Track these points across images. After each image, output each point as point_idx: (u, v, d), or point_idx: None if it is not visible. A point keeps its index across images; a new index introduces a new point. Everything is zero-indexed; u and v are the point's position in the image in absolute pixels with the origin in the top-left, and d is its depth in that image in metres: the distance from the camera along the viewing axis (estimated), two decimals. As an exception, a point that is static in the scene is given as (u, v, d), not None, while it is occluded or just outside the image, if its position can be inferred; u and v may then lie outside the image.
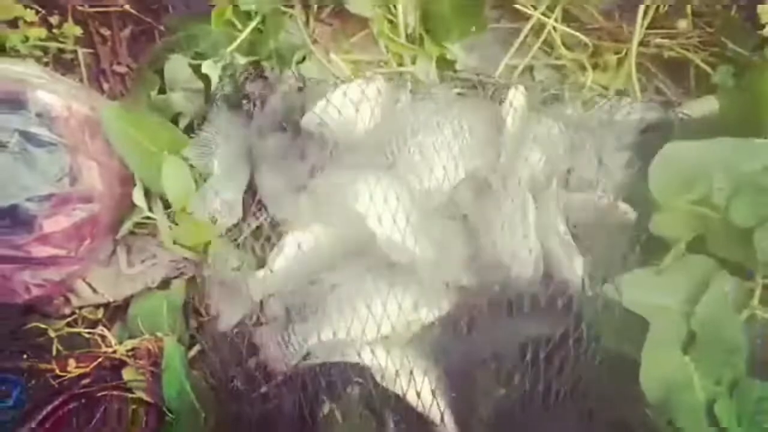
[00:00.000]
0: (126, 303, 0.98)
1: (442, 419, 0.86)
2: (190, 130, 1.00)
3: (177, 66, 1.02)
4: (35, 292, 0.89)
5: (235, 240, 0.97)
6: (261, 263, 0.92)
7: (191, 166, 0.96)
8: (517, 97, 0.95)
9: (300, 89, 0.99)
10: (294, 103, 0.98)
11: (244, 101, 1.01)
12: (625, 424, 0.86)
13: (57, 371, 0.91)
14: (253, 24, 1.05)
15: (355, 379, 0.89)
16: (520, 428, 0.85)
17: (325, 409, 0.88)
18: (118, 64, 1.10)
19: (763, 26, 1.06)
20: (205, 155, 0.97)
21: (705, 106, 1.05)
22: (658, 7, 1.15)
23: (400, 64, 1.11)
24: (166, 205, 0.95)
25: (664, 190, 0.88)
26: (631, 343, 0.83)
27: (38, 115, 0.87)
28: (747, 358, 0.80)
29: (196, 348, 0.97)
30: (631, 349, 0.83)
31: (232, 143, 0.98)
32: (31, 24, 1.04)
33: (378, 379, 0.87)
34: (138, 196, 0.93)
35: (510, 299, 0.87)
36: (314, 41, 1.09)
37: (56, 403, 0.88)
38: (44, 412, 0.88)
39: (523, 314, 0.86)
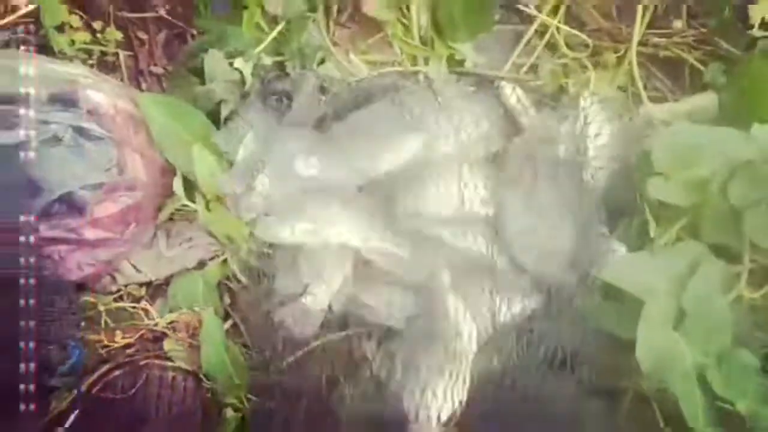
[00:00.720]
0: (166, 281, 1.07)
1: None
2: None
3: (214, 59, 1.10)
4: (87, 270, 0.99)
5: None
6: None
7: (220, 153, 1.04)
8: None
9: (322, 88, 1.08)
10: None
11: (272, 97, 1.10)
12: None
13: (105, 341, 1.01)
14: (279, 27, 1.13)
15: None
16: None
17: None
18: (155, 65, 1.19)
19: (753, 26, 1.12)
20: (233, 142, 1.04)
21: (703, 100, 1.12)
22: (655, 8, 1.21)
23: (414, 64, 1.18)
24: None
25: (665, 164, 0.94)
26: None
27: (88, 112, 0.96)
28: (733, 332, 0.87)
29: (229, 322, 1.06)
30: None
31: (259, 133, 1.05)
32: (77, 29, 1.13)
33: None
34: (177, 185, 1.01)
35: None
36: (334, 43, 1.17)
37: (104, 369, 0.98)
38: (94, 377, 0.98)
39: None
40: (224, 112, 1.08)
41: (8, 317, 0.89)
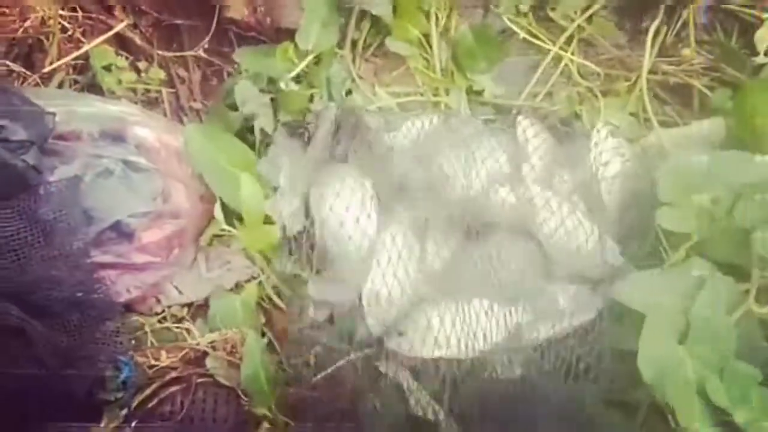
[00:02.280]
0: (206, 302, 1.13)
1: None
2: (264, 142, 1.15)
3: (245, 89, 1.17)
4: (134, 293, 1.06)
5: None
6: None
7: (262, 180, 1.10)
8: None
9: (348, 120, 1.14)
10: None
11: (300, 129, 1.16)
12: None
13: (152, 361, 1.08)
14: (308, 59, 1.19)
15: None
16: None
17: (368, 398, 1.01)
18: (194, 101, 1.27)
19: (758, 53, 1.17)
20: (274, 170, 1.10)
21: (711, 125, 1.16)
22: (664, 38, 1.28)
23: (435, 95, 1.26)
24: (239, 218, 1.11)
25: (671, 193, 0.98)
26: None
27: (137, 146, 1.05)
28: (739, 347, 0.89)
29: (264, 340, 1.11)
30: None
31: (294, 160, 1.12)
32: (123, 69, 1.22)
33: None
34: (218, 211, 1.08)
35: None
36: (359, 76, 1.25)
37: (153, 387, 1.04)
38: (143, 395, 1.05)
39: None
40: (258, 136, 1.15)
41: (64, 336, 0.97)
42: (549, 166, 1.11)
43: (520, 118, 1.15)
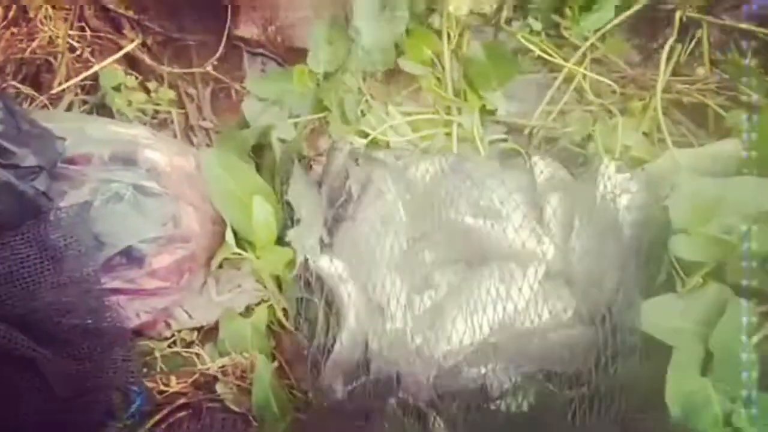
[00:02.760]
0: (216, 326, 1.11)
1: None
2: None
3: (252, 105, 1.19)
4: (144, 318, 1.05)
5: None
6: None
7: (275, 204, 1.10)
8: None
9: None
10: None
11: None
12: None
13: (161, 386, 1.07)
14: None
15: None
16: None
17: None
18: (203, 119, 1.26)
19: (771, 72, 1.16)
20: (299, 201, 1.09)
21: (727, 146, 1.14)
22: (678, 56, 1.27)
23: (448, 114, 1.24)
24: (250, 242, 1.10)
25: (683, 221, 0.96)
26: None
27: (147, 170, 1.03)
28: (760, 375, 0.88)
29: (275, 364, 1.10)
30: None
31: (310, 195, 1.12)
32: (132, 89, 1.21)
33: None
34: (229, 235, 1.07)
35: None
36: (372, 97, 1.24)
37: (163, 413, 1.04)
38: (152, 422, 1.04)
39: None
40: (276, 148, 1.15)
41: (74, 363, 0.96)
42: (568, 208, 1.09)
43: (535, 159, 1.13)
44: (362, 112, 1.22)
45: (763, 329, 0.92)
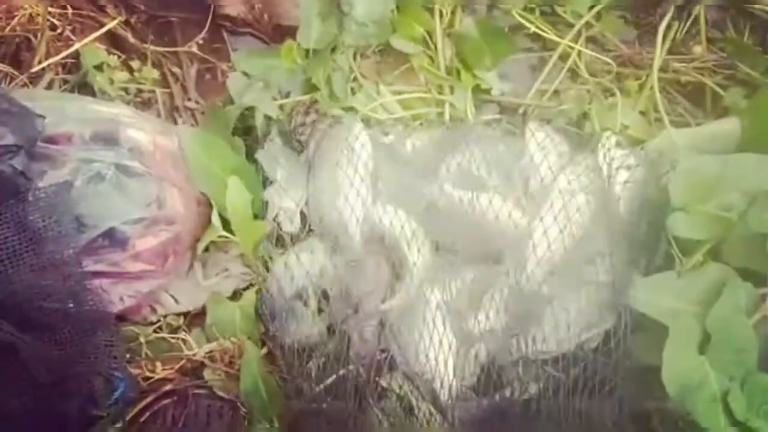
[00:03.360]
0: (203, 311, 1.09)
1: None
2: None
3: (237, 80, 1.15)
4: (128, 302, 1.02)
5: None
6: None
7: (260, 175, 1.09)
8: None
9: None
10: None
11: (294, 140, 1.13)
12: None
13: (146, 373, 1.04)
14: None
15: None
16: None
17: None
18: (189, 100, 1.23)
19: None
20: (272, 163, 1.09)
21: (726, 125, 1.12)
22: (675, 34, 1.25)
23: (440, 94, 1.21)
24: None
25: (683, 199, 0.94)
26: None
27: (130, 150, 1.00)
28: (757, 356, 0.87)
29: (264, 350, 1.07)
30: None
31: (291, 159, 1.10)
32: (115, 68, 1.17)
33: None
34: (215, 217, 1.04)
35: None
36: (362, 76, 1.20)
37: (148, 400, 1.01)
38: (137, 409, 1.01)
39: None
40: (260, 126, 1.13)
41: (55, 349, 0.92)
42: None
43: (531, 125, 1.10)
44: (352, 90, 1.18)
45: (761, 309, 0.91)
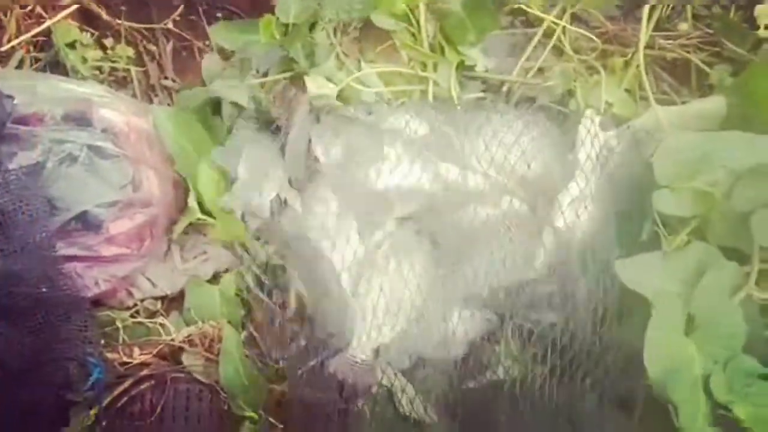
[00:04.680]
0: (181, 294, 1.07)
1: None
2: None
3: (211, 63, 1.13)
4: (103, 286, 1.00)
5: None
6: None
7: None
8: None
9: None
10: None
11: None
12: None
13: (123, 358, 1.02)
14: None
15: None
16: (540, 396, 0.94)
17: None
18: (165, 78, 1.20)
19: (759, 27, 1.12)
20: (232, 160, 1.04)
21: (711, 103, 1.11)
22: (660, 11, 1.22)
23: (423, 71, 1.18)
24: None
25: (668, 177, 0.93)
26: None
27: (103, 130, 0.98)
28: (743, 337, 0.86)
29: (244, 333, 1.06)
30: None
31: (259, 151, 1.06)
32: (88, 46, 1.14)
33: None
34: (192, 199, 1.02)
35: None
36: (344, 53, 1.18)
37: (125, 385, 0.99)
38: (114, 394, 0.99)
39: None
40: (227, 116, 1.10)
41: (28, 335, 0.90)
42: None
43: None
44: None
45: (745, 288, 0.90)
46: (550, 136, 1.10)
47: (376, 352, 0.99)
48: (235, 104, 1.08)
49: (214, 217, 1.04)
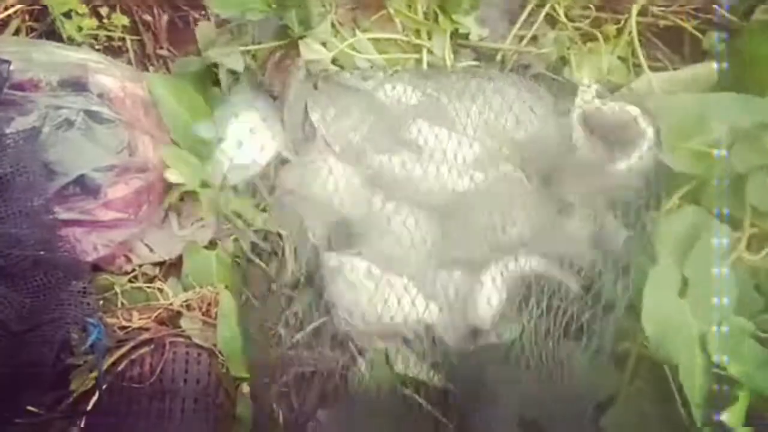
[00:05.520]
0: (179, 260, 1.08)
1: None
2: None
3: (206, 30, 1.14)
4: (101, 251, 1.00)
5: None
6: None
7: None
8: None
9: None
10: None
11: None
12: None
13: (123, 322, 1.03)
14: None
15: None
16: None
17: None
18: (160, 48, 1.20)
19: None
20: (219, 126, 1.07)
21: (702, 69, 1.13)
22: (654, -23, 1.23)
23: (417, 38, 1.18)
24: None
25: (668, 135, 0.95)
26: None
27: (99, 95, 0.98)
28: (734, 299, 0.89)
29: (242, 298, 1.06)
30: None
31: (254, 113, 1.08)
32: (83, 15, 1.14)
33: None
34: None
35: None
36: (338, 22, 1.18)
37: (124, 349, 1.00)
38: (114, 358, 1.00)
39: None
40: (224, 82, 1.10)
41: (27, 297, 0.91)
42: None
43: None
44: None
45: (736, 250, 0.93)
46: (544, 103, 1.11)
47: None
48: (232, 71, 1.08)
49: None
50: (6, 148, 0.91)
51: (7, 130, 0.92)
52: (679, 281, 0.90)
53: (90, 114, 0.96)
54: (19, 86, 0.95)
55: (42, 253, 0.91)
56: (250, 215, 1.07)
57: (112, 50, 1.18)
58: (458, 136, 1.04)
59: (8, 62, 0.94)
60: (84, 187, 0.96)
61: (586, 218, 1.01)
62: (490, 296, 0.97)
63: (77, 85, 0.97)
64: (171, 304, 1.04)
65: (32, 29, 1.15)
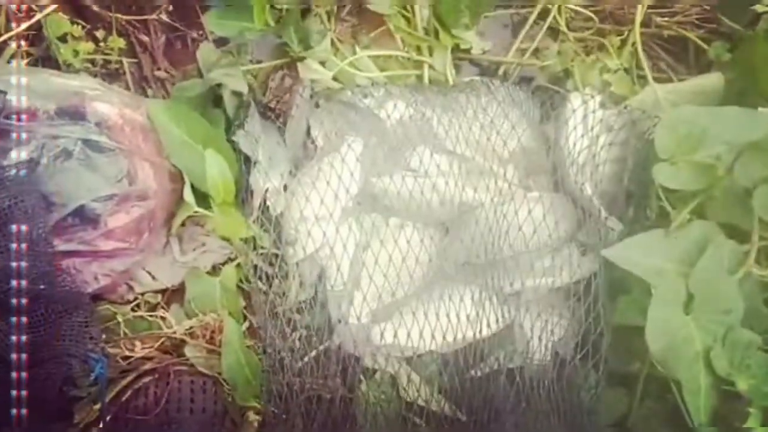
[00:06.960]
0: (181, 287, 1.06)
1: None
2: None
3: (207, 52, 1.13)
4: (103, 281, 0.99)
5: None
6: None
7: (237, 153, 1.05)
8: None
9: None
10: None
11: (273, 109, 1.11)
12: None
13: (125, 352, 1.02)
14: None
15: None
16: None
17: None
18: (158, 69, 1.18)
19: (757, 1, 1.11)
20: (251, 143, 1.05)
21: (709, 80, 1.11)
22: (657, -13, 1.22)
23: (419, 55, 1.17)
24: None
25: (669, 150, 0.93)
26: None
27: (97, 124, 0.96)
28: (741, 312, 0.87)
29: (246, 324, 1.06)
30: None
31: (271, 139, 1.07)
32: (79, 39, 1.12)
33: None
34: (187, 193, 1.01)
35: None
36: (338, 39, 1.16)
37: (128, 380, 0.99)
38: (117, 389, 0.99)
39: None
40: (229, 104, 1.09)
41: (28, 332, 0.90)
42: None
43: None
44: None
45: (745, 265, 0.91)
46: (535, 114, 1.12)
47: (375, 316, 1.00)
48: (236, 93, 1.07)
49: (211, 209, 1.03)
50: (4, 179, 0.89)
51: (4, 162, 0.91)
52: (685, 296, 0.89)
53: (88, 143, 0.95)
54: (16, 116, 0.94)
55: (42, 287, 0.89)
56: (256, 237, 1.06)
57: (110, 73, 1.16)
58: (458, 158, 1.03)
59: (4, 93, 0.93)
60: (84, 217, 0.94)
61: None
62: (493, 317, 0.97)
63: (75, 114, 0.96)
64: (174, 332, 1.03)
65: (28, 54, 1.13)
